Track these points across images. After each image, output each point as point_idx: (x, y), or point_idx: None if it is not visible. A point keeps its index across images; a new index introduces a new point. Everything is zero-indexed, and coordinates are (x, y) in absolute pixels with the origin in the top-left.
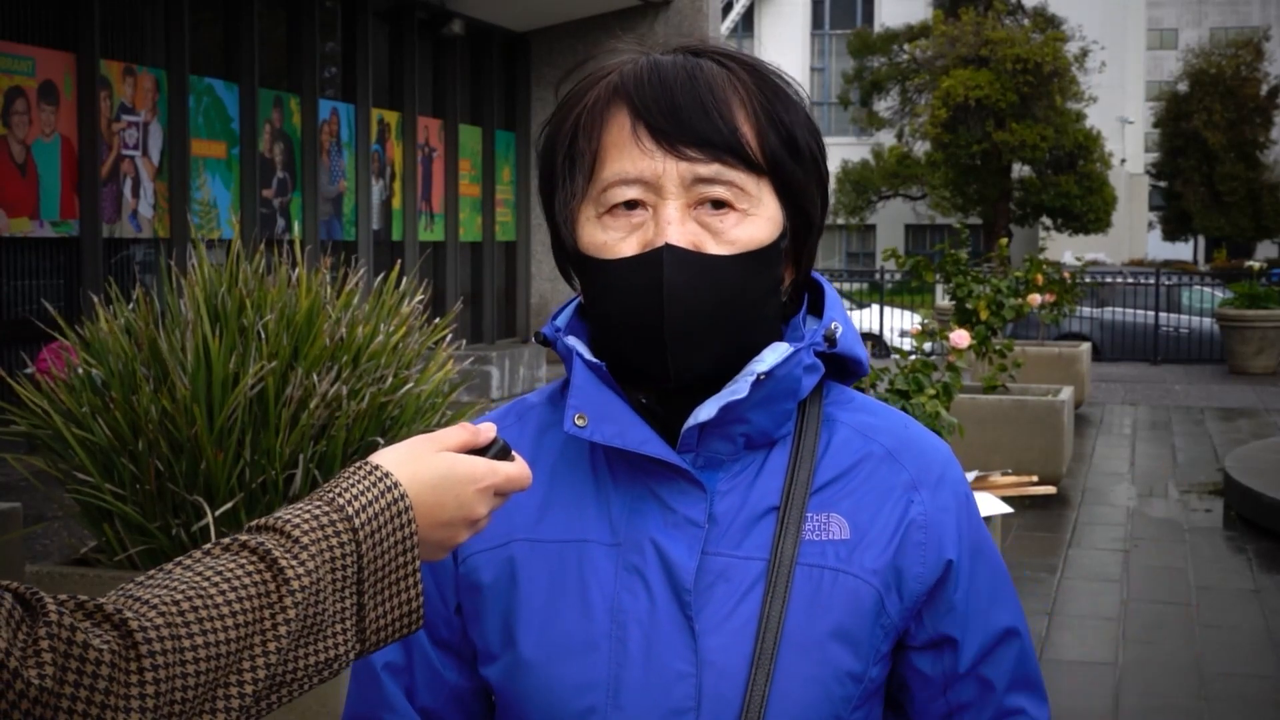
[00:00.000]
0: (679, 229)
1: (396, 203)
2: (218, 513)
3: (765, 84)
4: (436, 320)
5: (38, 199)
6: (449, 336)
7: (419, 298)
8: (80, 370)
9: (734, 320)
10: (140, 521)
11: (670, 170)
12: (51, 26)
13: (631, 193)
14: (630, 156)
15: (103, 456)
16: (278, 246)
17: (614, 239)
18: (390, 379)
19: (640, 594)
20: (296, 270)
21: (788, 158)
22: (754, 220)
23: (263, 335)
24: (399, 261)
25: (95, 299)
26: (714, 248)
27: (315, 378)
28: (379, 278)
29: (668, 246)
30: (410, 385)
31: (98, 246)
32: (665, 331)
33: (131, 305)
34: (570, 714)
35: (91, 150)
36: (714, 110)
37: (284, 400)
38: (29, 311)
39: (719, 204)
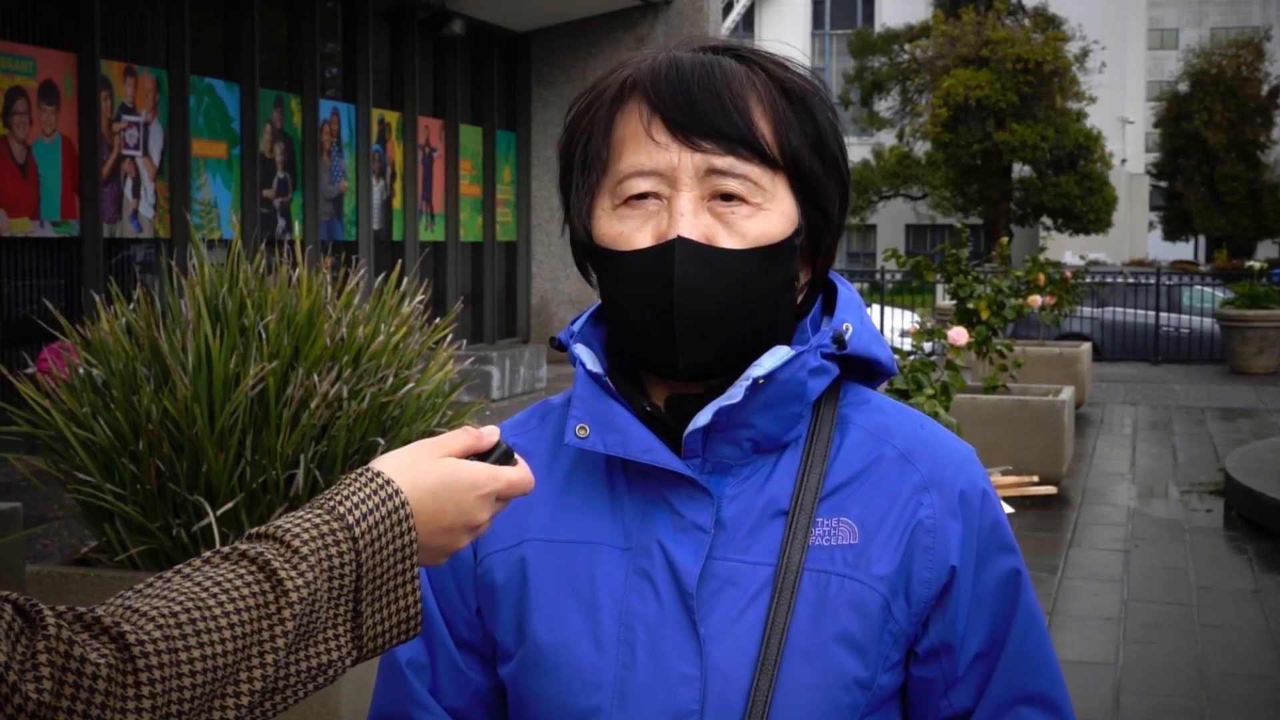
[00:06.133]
0: (692, 221)
1: (397, 203)
2: (218, 513)
3: (786, 81)
4: (437, 320)
5: (38, 199)
6: (449, 336)
7: (419, 298)
8: (81, 370)
9: (745, 314)
10: (141, 521)
11: (685, 162)
12: (52, 26)
13: (646, 185)
14: (646, 149)
15: (103, 456)
16: (278, 246)
17: (629, 229)
18: (391, 379)
19: (648, 597)
20: (297, 270)
21: (806, 154)
22: (766, 215)
23: (263, 335)
24: (399, 261)
25: (97, 299)
26: (726, 241)
27: (316, 378)
28: (379, 278)
29: (680, 239)
30: (411, 385)
31: (98, 246)
32: (675, 324)
33: (132, 305)
34: (576, 713)
35: (92, 150)
36: (729, 103)
37: (285, 400)
38: (30, 311)
39: (730, 196)
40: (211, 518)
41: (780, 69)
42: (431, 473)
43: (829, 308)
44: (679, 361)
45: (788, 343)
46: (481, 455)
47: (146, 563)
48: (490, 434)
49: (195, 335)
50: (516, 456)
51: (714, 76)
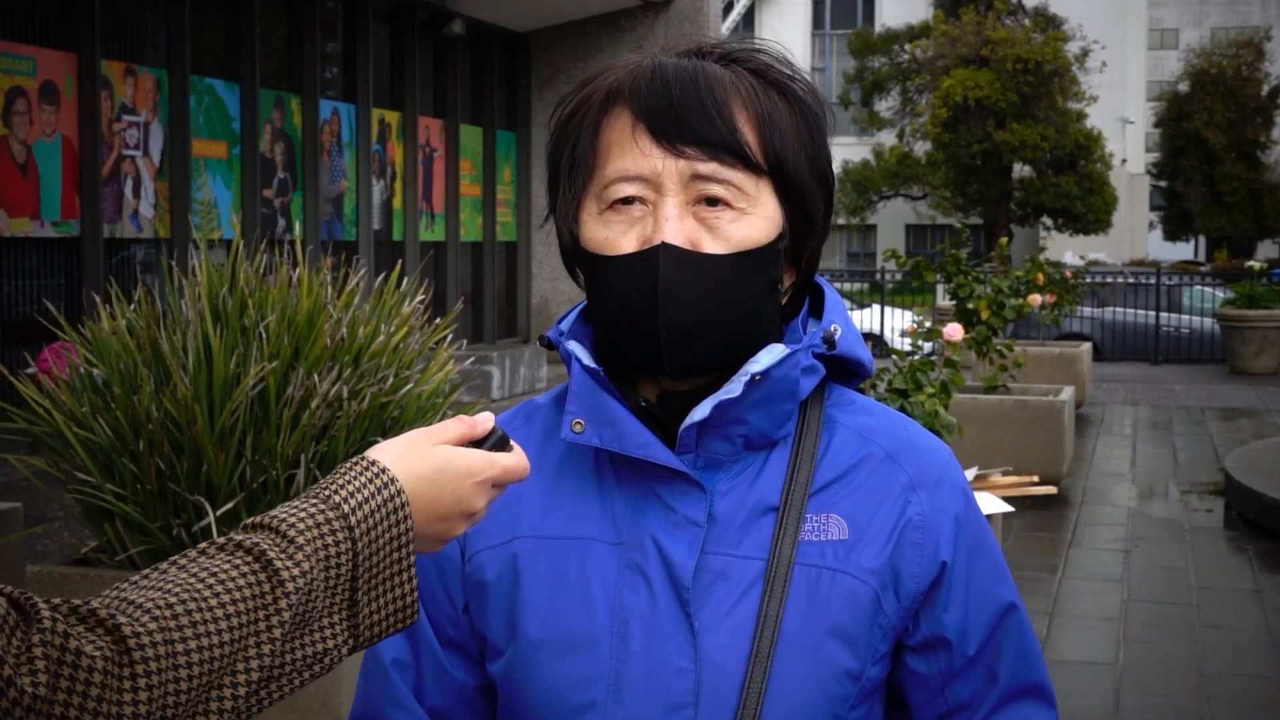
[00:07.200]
0: (676, 226)
1: (397, 203)
2: (219, 512)
3: (770, 84)
4: (437, 320)
5: (39, 199)
6: (449, 337)
7: (420, 298)
8: (81, 370)
9: (729, 318)
10: (141, 522)
11: (669, 168)
12: (52, 26)
13: (631, 189)
14: (631, 155)
15: (104, 456)
16: (279, 246)
17: (615, 234)
18: (391, 379)
19: (641, 591)
20: (297, 270)
21: (791, 158)
22: (750, 219)
23: (264, 335)
24: (400, 262)
25: (97, 299)
26: (710, 246)
27: (316, 378)
28: (380, 278)
29: (664, 245)
30: (411, 385)
31: (99, 246)
32: (660, 328)
33: (133, 305)
34: (571, 708)
35: (92, 150)
36: (713, 110)
37: (285, 400)
38: (30, 311)
39: (715, 201)
40: (212, 518)
41: (767, 70)
42: (427, 460)
43: (815, 310)
44: (665, 363)
45: (770, 343)
46: (477, 443)
47: (147, 563)
48: (485, 421)
49: (195, 335)
50: (512, 443)
51: (697, 83)
